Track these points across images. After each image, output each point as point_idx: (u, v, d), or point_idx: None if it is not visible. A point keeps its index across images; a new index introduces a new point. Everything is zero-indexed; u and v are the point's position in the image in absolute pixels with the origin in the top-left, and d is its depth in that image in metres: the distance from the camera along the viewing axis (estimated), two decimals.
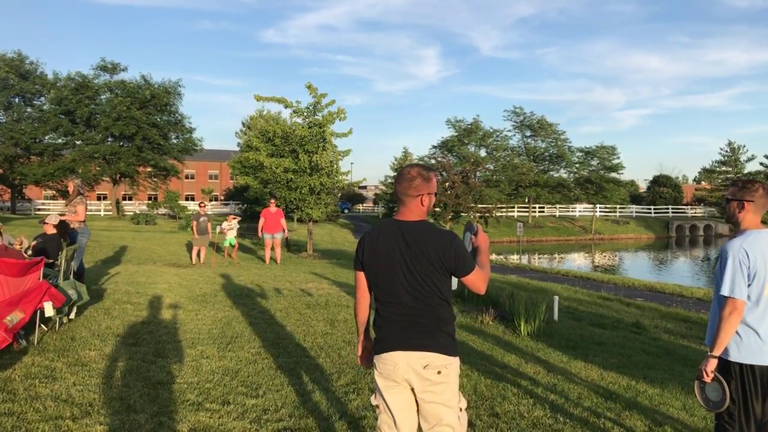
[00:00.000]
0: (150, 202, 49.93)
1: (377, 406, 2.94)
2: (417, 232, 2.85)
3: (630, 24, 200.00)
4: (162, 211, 43.20)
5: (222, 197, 64.13)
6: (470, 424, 4.30)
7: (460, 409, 2.91)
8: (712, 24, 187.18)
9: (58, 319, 6.57)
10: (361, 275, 3.00)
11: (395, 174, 3.28)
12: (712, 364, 3.24)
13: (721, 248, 3.29)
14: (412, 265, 2.83)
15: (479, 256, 3.04)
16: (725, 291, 3.19)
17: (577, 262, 35.44)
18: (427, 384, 2.78)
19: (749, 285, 3.17)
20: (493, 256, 31.96)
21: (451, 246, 2.81)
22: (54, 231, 8.35)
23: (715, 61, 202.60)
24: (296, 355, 6.04)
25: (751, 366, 3.19)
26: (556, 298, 9.10)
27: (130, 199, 57.98)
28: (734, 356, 3.24)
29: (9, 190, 45.92)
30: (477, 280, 2.88)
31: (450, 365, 2.82)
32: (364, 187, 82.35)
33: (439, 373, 2.78)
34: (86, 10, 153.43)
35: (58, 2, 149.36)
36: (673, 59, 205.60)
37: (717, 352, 3.23)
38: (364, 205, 73.86)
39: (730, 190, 3.38)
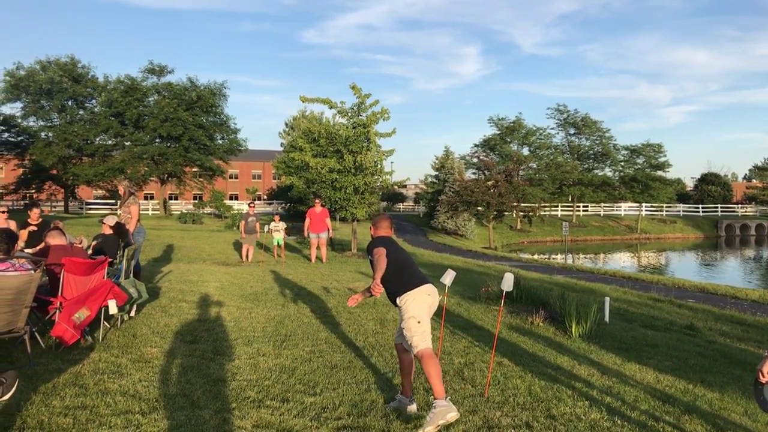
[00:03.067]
0: (196, 201, 50.92)
1: (419, 322, 4.37)
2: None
3: (675, 18, 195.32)
4: (207, 210, 44.05)
5: (265, 197, 64.98)
6: (528, 426, 4.31)
7: None
8: (762, 16, 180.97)
9: (119, 317, 6.81)
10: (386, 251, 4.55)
11: (375, 217, 4.84)
12: None
13: None
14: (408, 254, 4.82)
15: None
16: None
17: (623, 262, 34.79)
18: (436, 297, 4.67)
19: None
20: (537, 256, 31.65)
21: None
22: (111, 232, 8.64)
23: (765, 54, 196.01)
24: (349, 353, 6.14)
25: None
26: (607, 299, 8.99)
27: (176, 198, 59.25)
28: None
29: (62, 190, 47.47)
30: None
31: None
32: (405, 186, 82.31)
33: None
34: (133, 13, 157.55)
35: (107, 7, 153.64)
36: (721, 53, 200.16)
37: None
38: (404, 204, 73.86)
39: None
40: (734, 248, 44.92)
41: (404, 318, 4.47)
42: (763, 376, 3.19)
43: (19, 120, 44.30)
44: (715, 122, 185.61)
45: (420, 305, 4.47)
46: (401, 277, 4.62)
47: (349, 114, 19.49)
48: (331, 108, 19.55)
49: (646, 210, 56.88)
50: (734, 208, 65.44)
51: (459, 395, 4.92)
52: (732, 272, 28.50)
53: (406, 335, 4.42)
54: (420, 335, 4.36)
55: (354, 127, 19.18)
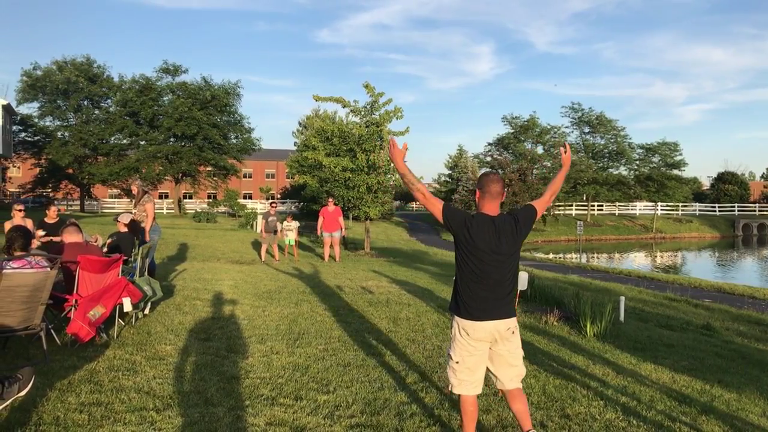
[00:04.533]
0: (210, 200, 51.18)
1: (458, 362, 3.59)
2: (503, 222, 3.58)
3: (692, 16, 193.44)
4: (222, 209, 44.26)
5: (279, 196, 65.17)
6: (542, 425, 4.28)
7: None
8: None
9: (134, 314, 6.85)
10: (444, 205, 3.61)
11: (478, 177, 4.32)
12: None
13: None
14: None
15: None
16: None
17: (639, 261, 34.51)
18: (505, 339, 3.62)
19: None
20: (551, 255, 31.49)
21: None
22: (126, 229, 8.70)
23: None
24: (362, 352, 6.13)
25: None
26: (622, 298, 8.91)
27: (191, 197, 59.61)
28: None
29: (78, 189, 47.95)
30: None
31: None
32: None
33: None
34: (148, 13, 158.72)
35: (122, 7, 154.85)
36: (738, 51, 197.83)
37: None
38: (418, 203, 73.90)
39: None
40: (751, 248, 44.41)
41: (450, 343, 3.74)
42: None
43: (36, 120, 44.84)
44: (731, 120, 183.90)
45: (462, 348, 3.58)
46: (457, 287, 3.65)
47: (362, 113, 19.49)
48: (344, 107, 19.58)
49: (661, 209, 56.39)
50: (751, 207, 64.70)
51: None
52: (749, 272, 28.18)
53: (447, 369, 3.75)
54: (456, 378, 3.63)
55: (367, 126, 19.18)
